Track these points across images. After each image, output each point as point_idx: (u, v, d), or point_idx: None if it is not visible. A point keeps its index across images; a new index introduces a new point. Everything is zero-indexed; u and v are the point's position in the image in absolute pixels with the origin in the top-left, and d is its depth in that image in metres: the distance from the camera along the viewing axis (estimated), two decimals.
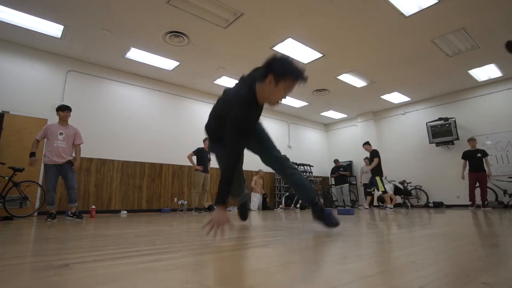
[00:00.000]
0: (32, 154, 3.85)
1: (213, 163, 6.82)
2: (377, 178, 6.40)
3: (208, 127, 1.98)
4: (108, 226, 2.81)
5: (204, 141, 6.51)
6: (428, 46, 5.62)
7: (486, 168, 6.22)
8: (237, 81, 1.95)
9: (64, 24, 4.82)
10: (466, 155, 6.50)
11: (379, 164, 6.48)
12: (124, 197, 6.08)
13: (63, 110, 4.08)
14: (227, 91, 1.88)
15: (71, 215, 4.01)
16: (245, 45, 5.51)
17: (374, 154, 6.58)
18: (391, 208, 6.13)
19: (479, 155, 6.29)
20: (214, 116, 1.90)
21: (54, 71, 5.71)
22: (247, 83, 1.74)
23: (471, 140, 6.48)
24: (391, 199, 6.31)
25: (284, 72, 1.61)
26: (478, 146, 7.19)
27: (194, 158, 6.29)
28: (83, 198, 5.60)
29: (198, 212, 6.04)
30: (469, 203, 6.39)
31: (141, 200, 6.30)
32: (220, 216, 1.56)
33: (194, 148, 6.34)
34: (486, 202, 6.17)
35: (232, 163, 1.62)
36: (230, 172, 1.62)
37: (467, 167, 6.42)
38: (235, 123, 1.60)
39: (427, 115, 8.53)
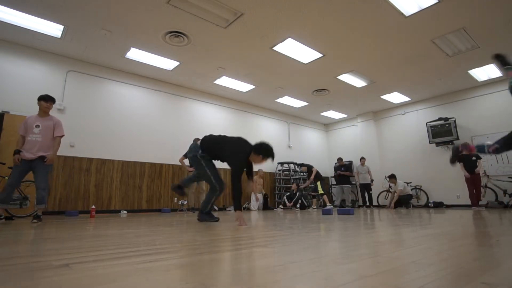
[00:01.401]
0: (16, 152, 3.48)
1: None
2: (318, 183, 7.45)
3: (207, 147, 3.27)
4: (108, 226, 2.81)
5: (194, 141, 6.54)
6: (428, 46, 5.62)
7: (478, 169, 6.46)
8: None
9: (64, 24, 4.82)
10: (461, 159, 6.73)
11: (317, 172, 7.53)
12: (124, 197, 6.08)
13: (46, 100, 3.60)
14: (228, 138, 3.28)
15: (35, 219, 3.37)
16: (245, 45, 5.51)
17: (310, 167, 7.72)
18: (313, 208, 7.27)
19: (473, 158, 6.53)
20: (217, 143, 3.25)
21: (54, 71, 5.71)
22: (249, 147, 3.11)
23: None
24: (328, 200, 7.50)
25: (261, 152, 3.03)
26: None
27: (186, 160, 6.35)
28: (83, 198, 5.60)
29: (193, 212, 6.08)
30: (470, 203, 6.50)
31: (141, 200, 6.30)
32: (242, 215, 2.86)
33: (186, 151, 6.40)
34: (479, 202, 6.43)
35: (236, 181, 2.93)
36: (237, 185, 2.94)
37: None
38: (238, 162, 3.03)
39: (427, 115, 8.53)
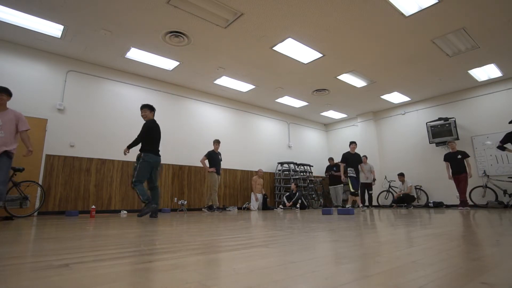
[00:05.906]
0: None
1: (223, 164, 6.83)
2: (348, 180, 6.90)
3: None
4: (108, 226, 2.81)
5: (214, 143, 6.70)
6: (428, 46, 5.61)
7: (467, 169, 6.24)
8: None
9: (64, 24, 4.82)
10: (446, 158, 6.60)
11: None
12: (124, 197, 6.07)
13: None
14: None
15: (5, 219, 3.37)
16: (245, 45, 5.51)
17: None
18: (361, 206, 6.90)
19: (459, 156, 6.35)
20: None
21: (54, 71, 5.71)
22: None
23: (450, 143, 6.61)
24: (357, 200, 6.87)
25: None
26: (478, 146, 7.45)
27: (207, 161, 6.57)
28: (83, 198, 5.60)
29: (220, 211, 6.22)
30: (471, 203, 6.47)
31: None
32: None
33: (206, 151, 6.68)
34: (466, 202, 6.20)
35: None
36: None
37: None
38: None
39: (427, 115, 8.53)
